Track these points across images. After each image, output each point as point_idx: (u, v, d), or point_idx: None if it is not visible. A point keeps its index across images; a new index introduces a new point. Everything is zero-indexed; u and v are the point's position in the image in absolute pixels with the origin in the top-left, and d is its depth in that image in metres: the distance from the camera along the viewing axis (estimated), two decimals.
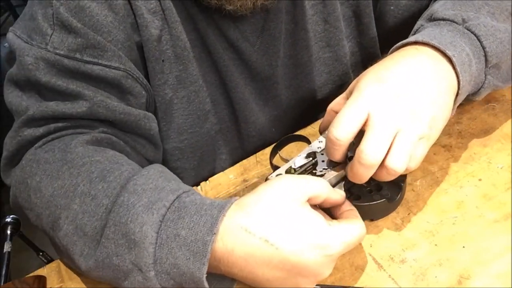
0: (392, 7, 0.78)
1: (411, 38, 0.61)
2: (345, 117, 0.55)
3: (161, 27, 0.67)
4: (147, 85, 0.69)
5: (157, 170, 0.58)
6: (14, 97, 0.66)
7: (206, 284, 0.50)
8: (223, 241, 0.50)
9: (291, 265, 0.49)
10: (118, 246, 0.52)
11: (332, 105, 0.64)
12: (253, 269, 0.50)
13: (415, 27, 0.68)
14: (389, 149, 0.54)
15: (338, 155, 0.57)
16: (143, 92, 0.68)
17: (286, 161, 0.64)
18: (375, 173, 0.56)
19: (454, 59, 0.58)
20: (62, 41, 0.62)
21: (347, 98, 0.60)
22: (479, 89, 0.63)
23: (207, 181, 0.74)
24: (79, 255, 0.55)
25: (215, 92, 0.76)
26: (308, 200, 0.53)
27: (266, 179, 0.62)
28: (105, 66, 0.64)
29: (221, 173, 0.75)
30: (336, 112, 0.63)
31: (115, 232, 0.52)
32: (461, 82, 0.58)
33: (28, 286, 0.61)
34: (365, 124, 0.55)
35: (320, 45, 0.79)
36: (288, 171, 0.62)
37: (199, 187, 0.73)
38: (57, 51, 0.62)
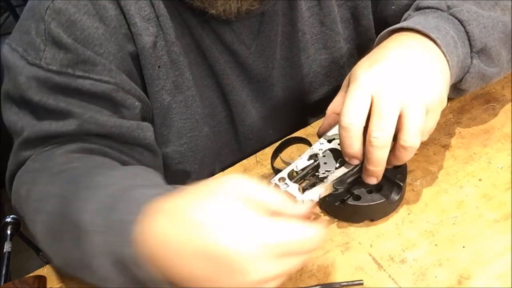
0: (393, 7, 0.78)
1: (397, 25, 0.63)
2: (351, 102, 0.56)
3: (156, 34, 0.67)
4: (141, 95, 0.69)
5: (130, 171, 0.58)
6: (11, 115, 0.67)
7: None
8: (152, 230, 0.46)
9: (223, 257, 0.44)
10: (70, 240, 0.52)
11: (333, 107, 0.64)
12: (185, 263, 0.45)
13: (403, 18, 0.69)
14: (401, 126, 0.55)
15: (355, 144, 0.56)
16: (136, 103, 0.68)
17: (288, 164, 0.63)
18: (394, 156, 0.57)
19: (438, 41, 0.59)
20: (54, 56, 0.63)
21: (344, 95, 0.60)
22: (465, 74, 0.64)
23: None
24: (54, 256, 0.56)
25: (212, 96, 0.76)
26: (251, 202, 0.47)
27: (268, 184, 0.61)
28: (96, 80, 0.64)
29: (221, 173, 0.75)
30: (338, 114, 0.63)
31: (67, 226, 0.52)
32: (449, 62, 0.59)
33: (28, 286, 0.61)
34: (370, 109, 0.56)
35: (316, 46, 0.79)
36: (290, 174, 0.61)
37: None
38: (50, 67, 0.62)
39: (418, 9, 0.68)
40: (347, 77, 0.61)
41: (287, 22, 0.75)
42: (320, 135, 0.66)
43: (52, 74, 0.62)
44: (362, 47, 0.83)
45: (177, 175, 0.78)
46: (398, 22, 0.82)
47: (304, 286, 0.57)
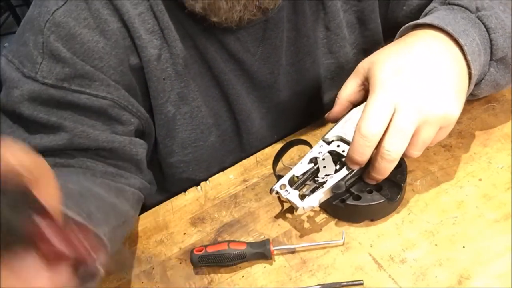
0: (404, 7, 0.78)
1: (425, 20, 0.62)
2: (374, 112, 0.55)
3: (160, 46, 0.67)
4: (139, 111, 0.68)
5: None
6: (6, 128, 0.65)
7: None
8: None
9: None
10: None
11: (347, 95, 0.64)
12: None
13: (428, 8, 0.68)
14: (411, 140, 0.56)
15: (367, 154, 0.57)
16: (132, 120, 0.68)
17: (289, 168, 0.63)
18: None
19: (465, 48, 0.58)
20: (51, 70, 0.62)
21: (360, 83, 0.62)
22: (481, 81, 0.64)
23: (207, 181, 0.74)
24: None
25: (217, 106, 0.75)
26: None
27: (271, 191, 0.62)
28: (92, 95, 0.63)
29: (221, 173, 0.75)
30: (352, 103, 0.64)
31: None
32: (472, 71, 0.59)
33: None
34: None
35: (322, 51, 0.78)
36: (291, 180, 0.62)
37: (199, 187, 0.73)
38: (46, 80, 0.62)
39: (446, 3, 0.66)
40: (363, 64, 0.62)
41: (291, 27, 0.74)
42: (330, 119, 0.65)
43: (47, 87, 0.62)
44: (368, 51, 0.82)
45: (182, 183, 0.77)
46: (408, 23, 0.81)
47: (304, 286, 0.58)
